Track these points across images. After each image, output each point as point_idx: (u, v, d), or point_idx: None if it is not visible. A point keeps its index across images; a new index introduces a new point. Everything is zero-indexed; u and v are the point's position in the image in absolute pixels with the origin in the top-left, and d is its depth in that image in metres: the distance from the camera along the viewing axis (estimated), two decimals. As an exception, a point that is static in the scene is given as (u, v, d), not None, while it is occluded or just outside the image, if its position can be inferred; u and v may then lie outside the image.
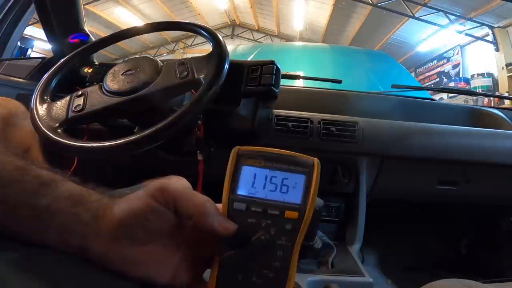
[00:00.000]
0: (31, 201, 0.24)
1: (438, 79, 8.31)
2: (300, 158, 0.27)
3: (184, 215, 0.26)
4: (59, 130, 0.50)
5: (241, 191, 0.27)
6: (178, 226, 0.27)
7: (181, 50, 12.08)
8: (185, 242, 0.27)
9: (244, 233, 0.26)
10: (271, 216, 0.26)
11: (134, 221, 0.25)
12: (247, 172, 0.27)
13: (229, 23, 12.12)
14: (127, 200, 0.26)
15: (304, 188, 0.27)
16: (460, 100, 5.39)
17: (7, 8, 1.21)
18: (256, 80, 0.65)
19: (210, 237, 0.27)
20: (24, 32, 1.34)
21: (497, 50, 6.28)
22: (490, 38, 6.35)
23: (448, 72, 7.92)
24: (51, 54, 1.09)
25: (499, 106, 1.91)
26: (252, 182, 0.27)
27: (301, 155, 0.28)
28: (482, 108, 1.09)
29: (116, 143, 0.46)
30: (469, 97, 5.56)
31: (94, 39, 0.89)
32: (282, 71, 0.70)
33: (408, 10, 6.61)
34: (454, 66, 7.78)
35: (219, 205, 0.27)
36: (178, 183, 0.36)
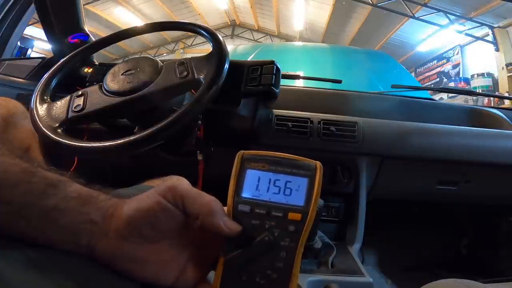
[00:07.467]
0: (39, 202, 0.24)
1: (438, 79, 8.31)
2: (303, 161, 0.28)
3: (192, 214, 0.26)
4: (59, 130, 0.50)
5: (246, 194, 0.28)
6: (186, 226, 0.27)
7: (181, 50, 12.08)
8: (191, 242, 0.28)
9: (249, 234, 0.26)
10: (274, 217, 0.27)
11: (143, 219, 0.25)
12: (251, 175, 0.28)
13: (229, 23, 12.12)
14: (137, 199, 0.26)
15: (307, 191, 0.27)
16: (460, 100, 5.38)
17: (7, 8, 1.21)
18: (256, 80, 0.65)
19: (216, 238, 0.27)
20: (24, 32, 1.34)
21: (497, 50, 6.28)
22: (490, 38, 6.35)
23: (448, 72, 7.92)
24: (51, 54, 1.09)
25: (499, 106, 1.91)
26: (256, 185, 0.28)
27: (304, 159, 0.28)
28: (482, 108, 1.09)
29: (116, 143, 0.46)
30: (469, 97, 5.55)
31: (94, 39, 0.89)
32: (282, 71, 0.70)
33: (408, 10, 6.60)
34: (454, 66, 7.78)
35: (224, 208, 0.27)
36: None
